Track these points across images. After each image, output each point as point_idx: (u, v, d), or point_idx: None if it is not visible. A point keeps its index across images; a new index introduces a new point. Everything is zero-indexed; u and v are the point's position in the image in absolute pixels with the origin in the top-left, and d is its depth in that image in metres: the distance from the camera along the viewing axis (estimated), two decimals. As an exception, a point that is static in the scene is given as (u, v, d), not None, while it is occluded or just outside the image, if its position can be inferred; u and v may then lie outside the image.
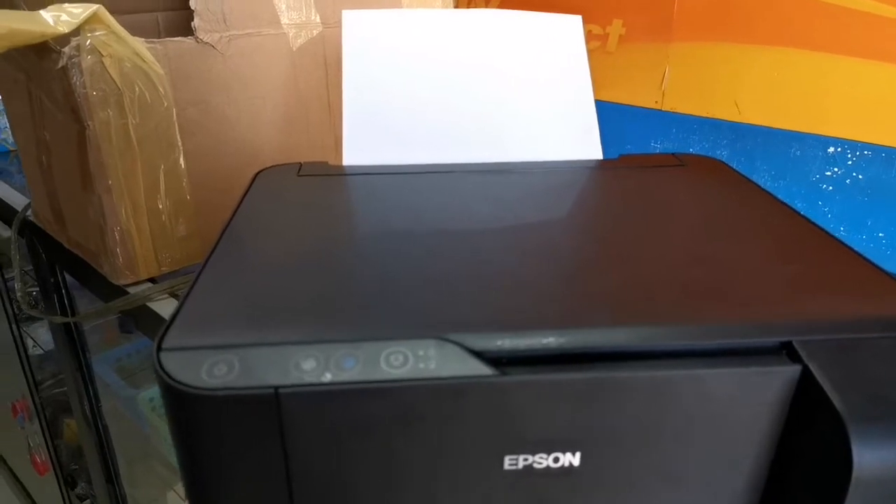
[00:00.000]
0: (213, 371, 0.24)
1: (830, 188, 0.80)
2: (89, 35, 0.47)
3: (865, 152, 0.77)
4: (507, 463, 0.26)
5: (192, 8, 0.52)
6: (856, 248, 0.33)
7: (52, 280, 0.71)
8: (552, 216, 0.38)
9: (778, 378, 0.25)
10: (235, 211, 0.37)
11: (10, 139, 1.04)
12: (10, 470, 1.38)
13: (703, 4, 0.87)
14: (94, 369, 0.76)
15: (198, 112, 0.55)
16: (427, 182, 0.42)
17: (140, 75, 0.50)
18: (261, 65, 0.57)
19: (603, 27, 0.99)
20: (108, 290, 0.56)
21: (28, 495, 1.32)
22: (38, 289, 0.73)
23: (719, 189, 0.41)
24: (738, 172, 0.44)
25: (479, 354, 0.25)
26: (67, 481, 1.06)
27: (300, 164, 0.45)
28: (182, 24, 0.55)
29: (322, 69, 0.62)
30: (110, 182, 0.51)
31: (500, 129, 0.47)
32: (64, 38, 0.47)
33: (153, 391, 0.84)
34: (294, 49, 0.59)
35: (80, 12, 0.47)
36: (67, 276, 0.71)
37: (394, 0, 0.66)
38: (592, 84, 0.49)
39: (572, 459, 0.26)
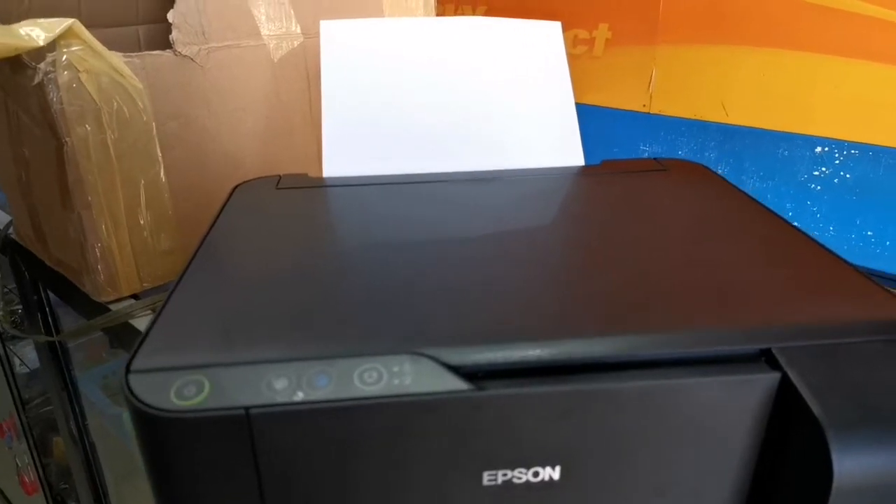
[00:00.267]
0: (182, 392, 0.24)
1: (819, 188, 0.81)
2: (65, 50, 0.47)
3: (853, 151, 0.77)
4: (486, 479, 0.25)
5: (170, 21, 0.52)
6: (837, 252, 0.33)
7: (35, 298, 0.70)
8: (532, 225, 0.38)
9: (758, 386, 0.24)
10: (211, 226, 0.37)
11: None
12: None
13: (687, 7, 0.87)
14: (80, 387, 0.75)
15: (178, 125, 0.54)
16: (406, 192, 0.41)
17: (118, 90, 0.50)
18: (241, 77, 0.57)
19: (589, 31, 0.99)
20: (90, 308, 0.56)
21: (17, 516, 1.31)
22: (21, 307, 0.72)
23: (700, 195, 0.41)
24: (720, 177, 0.43)
25: (455, 369, 0.24)
26: (57, 501, 1.05)
27: (279, 177, 0.45)
28: (163, 37, 0.54)
29: (304, 79, 0.62)
30: (90, 198, 0.50)
31: (480, 138, 0.47)
32: (39, 54, 0.47)
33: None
34: (275, 60, 0.59)
35: (54, 26, 0.46)
36: (51, 294, 0.71)
37: (376, 9, 0.65)
38: (573, 89, 0.48)
39: (552, 473, 0.25)
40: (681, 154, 0.93)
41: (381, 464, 0.25)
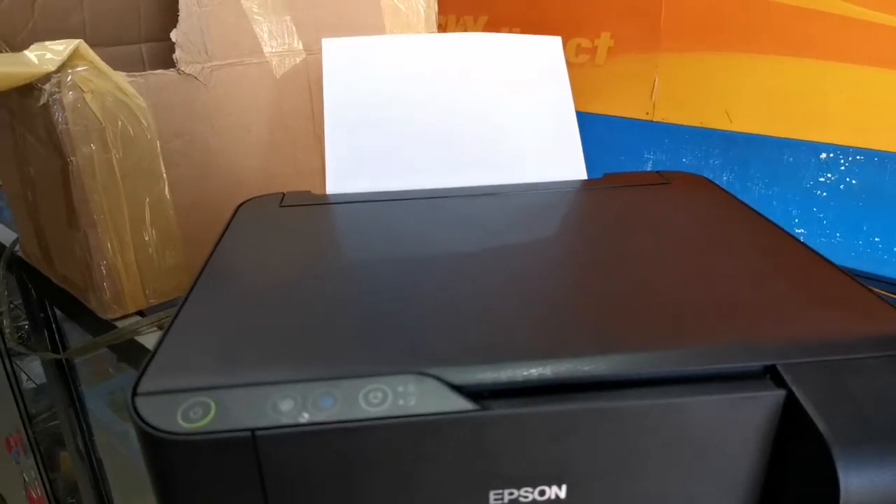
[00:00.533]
0: (188, 415, 0.24)
1: (825, 194, 0.80)
2: (70, 71, 0.47)
3: (858, 157, 0.77)
4: (493, 498, 0.25)
5: (174, 39, 0.52)
6: (845, 259, 0.33)
7: (41, 315, 0.71)
8: (536, 241, 0.38)
9: (763, 403, 0.24)
10: (216, 245, 0.37)
11: None
12: (7, 506, 1.37)
13: (689, 15, 0.87)
14: (87, 403, 0.76)
15: (182, 143, 0.55)
16: (409, 209, 0.41)
17: (122, 109, 0.50)
18: (244, 94, 0.57)
19: (591, 40, 1.00)
20: (96, 325, 0.56)
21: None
22: (28, 323, 0.73)
23: (703, 208, 0.41)
24: (722, 189, 0.43)
25: (460, 389, 0.24)
26: (64, 516, 1.05)
27: (283, 195, 0.45)
28: (166, 55, 0.55)
29: (307, 95, 0.62)
30: (95, 217, 0.51)
31: (483, 153, 0.47)
32: (45, 75, 0.47)
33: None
34: (278, 77, 0.59)
35: (62, 49, 0.47)
36: (58, 311, 0.71)
37: (377, 25, 0.66)
38: (575, 99, 0.49)
39: (559, 492, 0.25)
40: (685, 161, 0.93)
41: (388, 484, 0.25)
